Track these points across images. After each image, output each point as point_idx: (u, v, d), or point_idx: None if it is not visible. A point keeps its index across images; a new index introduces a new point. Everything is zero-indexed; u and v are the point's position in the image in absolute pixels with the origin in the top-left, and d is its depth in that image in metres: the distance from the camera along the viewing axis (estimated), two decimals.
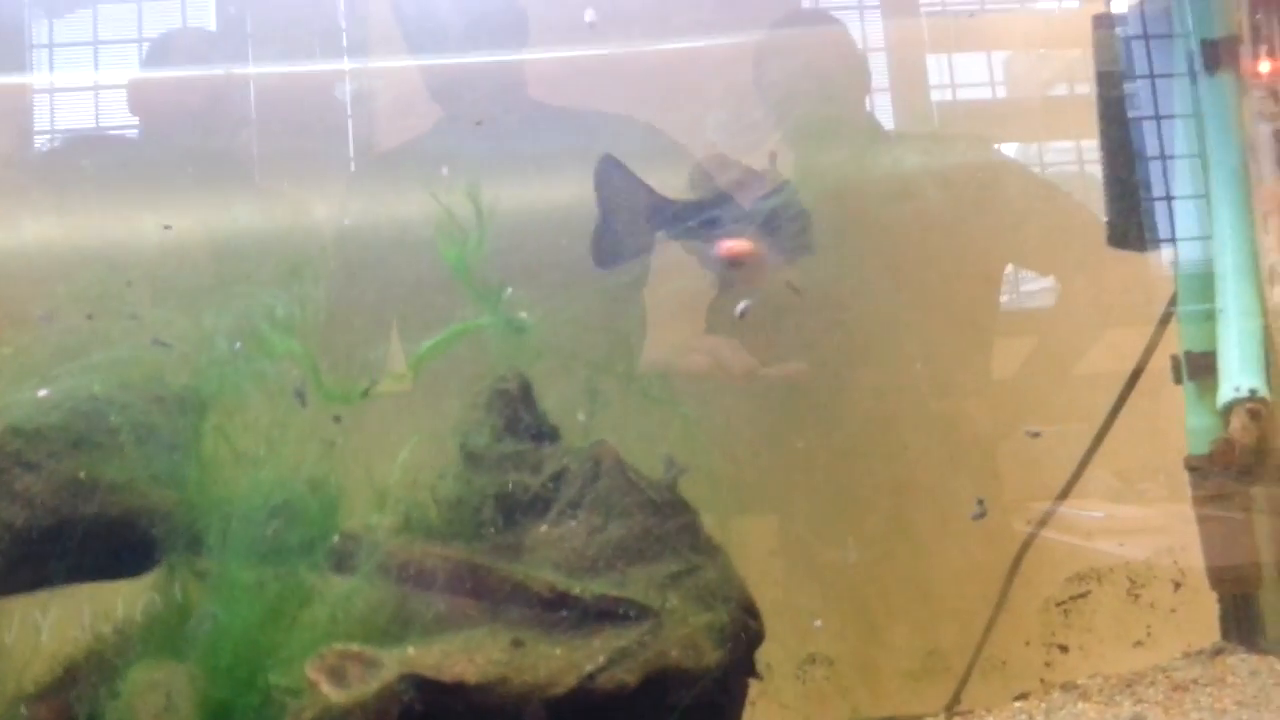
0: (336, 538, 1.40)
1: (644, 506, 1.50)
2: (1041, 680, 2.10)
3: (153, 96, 2.71)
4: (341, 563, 1.40)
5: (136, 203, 2.56)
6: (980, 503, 1.94)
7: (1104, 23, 2.10)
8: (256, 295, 1.60)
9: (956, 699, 2.23)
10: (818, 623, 2.14)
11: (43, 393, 1.52)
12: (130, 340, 1.62)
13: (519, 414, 1.67)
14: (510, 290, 1.45)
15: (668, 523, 1.49)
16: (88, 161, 2.71)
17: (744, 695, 1.50)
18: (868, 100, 2.70)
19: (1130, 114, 2.10)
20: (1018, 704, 1.90)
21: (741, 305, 1.68)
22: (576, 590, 1.40)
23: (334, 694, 1.24)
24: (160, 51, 2.78)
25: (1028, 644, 2.25)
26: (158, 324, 1.62)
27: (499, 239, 1.81)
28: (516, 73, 2.54)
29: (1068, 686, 1.95)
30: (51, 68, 2.93)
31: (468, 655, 1.33)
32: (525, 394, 1.68)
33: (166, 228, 2.42)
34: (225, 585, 1.34)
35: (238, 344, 1.48)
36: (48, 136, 2.94)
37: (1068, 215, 2.62)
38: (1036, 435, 2.15)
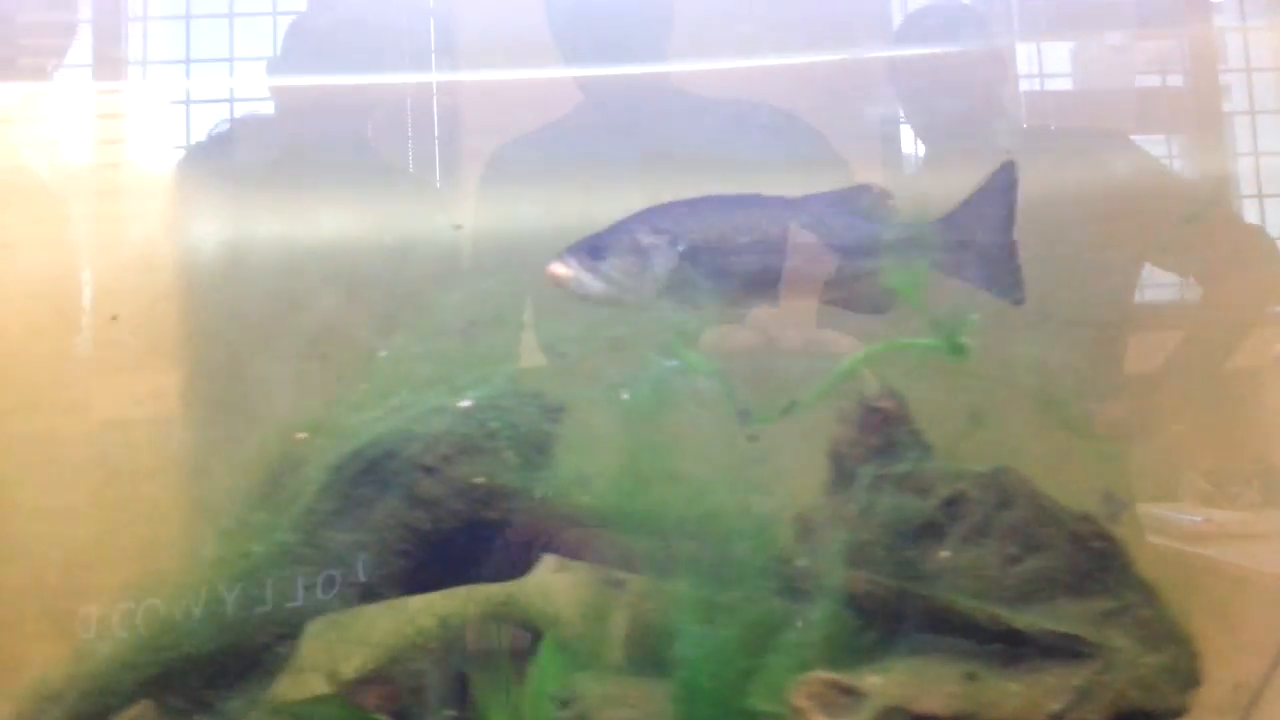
0: (800, 561, 1.39)
1: (1066, 539, 1.47)
2: None
3: None
4: (789, 585, 1.39)
5: (429, 201, 2.59)
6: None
7: None
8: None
9: None
10: None
11: (465, 404, 1.53)
12: (524, 349, 1.64)
13: (895, 433, 1.65)
14: (976, 316, 1.41)
15: (1096, 558, 1.45)
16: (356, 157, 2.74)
17: None
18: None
19: None
20: None
21: None
22: (1020, 624, 1.37)
23: None
24: None
25: None
26: (550, 333, 1.63)
27: None
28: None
29: None
30: (145, 46, 2.93)
31: (924, 687, 1.31)
32: (901, 412, 1.66)
33: (457, 227, 2.45)
34: (697, 604, 1.34)
35: (668, 359, 1.47)
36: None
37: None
38: None
